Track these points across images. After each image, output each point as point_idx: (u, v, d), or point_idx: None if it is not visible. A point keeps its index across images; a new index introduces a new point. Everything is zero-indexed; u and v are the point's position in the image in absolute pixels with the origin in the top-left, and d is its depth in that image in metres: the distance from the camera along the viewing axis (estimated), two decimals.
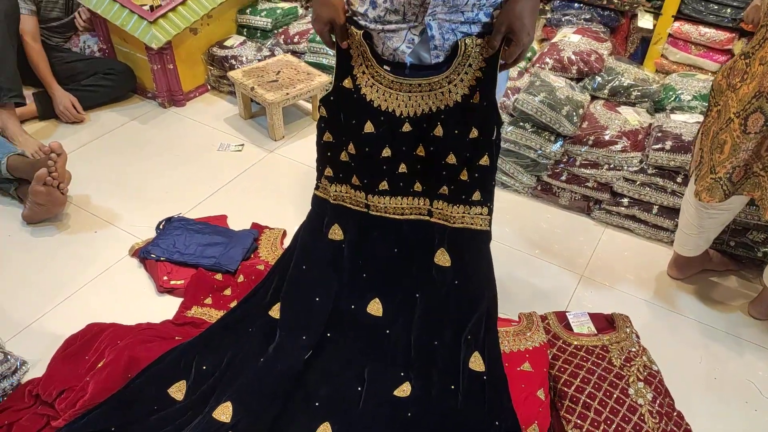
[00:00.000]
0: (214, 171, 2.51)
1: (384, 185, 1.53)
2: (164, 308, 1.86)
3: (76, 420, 1.39)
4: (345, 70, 1.43)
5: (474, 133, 1.42)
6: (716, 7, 2.39)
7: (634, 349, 1.66)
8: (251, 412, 1.37)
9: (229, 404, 1.38)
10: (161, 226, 2.17)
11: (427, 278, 1.54)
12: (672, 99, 2.27)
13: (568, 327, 1.74)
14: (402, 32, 1.31)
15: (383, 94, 1.41)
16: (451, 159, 1.46)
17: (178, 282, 1.96)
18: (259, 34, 3.11)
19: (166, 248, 2.06)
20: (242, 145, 2.68)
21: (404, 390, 1.42)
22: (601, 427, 1.47)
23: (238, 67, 2.88)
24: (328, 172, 1.61)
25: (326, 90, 1.59)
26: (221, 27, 3.07)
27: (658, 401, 1.54)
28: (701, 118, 2.16)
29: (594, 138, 2.17)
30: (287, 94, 2.62)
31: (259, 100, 2.66)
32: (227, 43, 3.02)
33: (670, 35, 2.52)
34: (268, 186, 2.44)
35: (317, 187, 1.66)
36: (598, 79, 2.35)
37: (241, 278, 1.96)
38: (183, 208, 2.29)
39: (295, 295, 1.61)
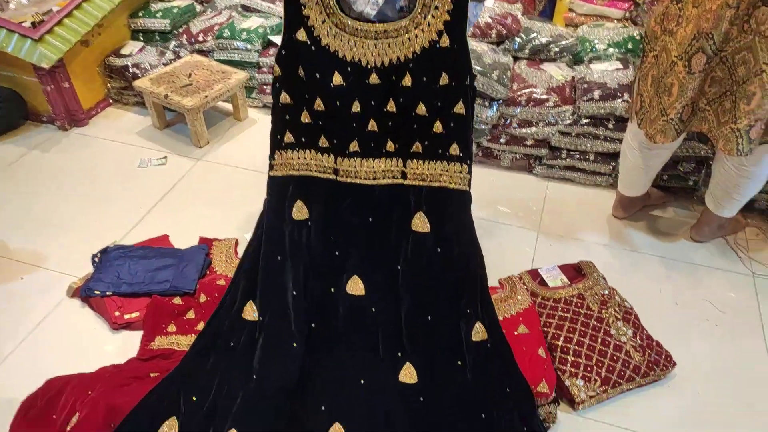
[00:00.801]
0: (141, 190, 2.32)
1: (354, 146, 1.43)
2: (124, 346, 1.71)
3: None
4: (296, 20, 1.33)
5: (444, 79, 1.35)
6: None
7: (606, 292, 1.73)
8: None
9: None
10: (97, 259, 1.99)
11: (407, 248, 1.46)
12: (588, 50, 2.38)
13: (542, 283, 1.79)
14: None
15: (348, 42, 1.33)
16: (421, 109, 1.38)
17: (133, 315, 1.81)
18: (158, 37, 2.89)
19: (110, 281, 1.88)
20: (165, 157, 2.50)
21: (408, 374, 1.38)
22: (595, 370, 1.54)
23: (142, 76, 2.66)
24: (288, 138, 1.47)
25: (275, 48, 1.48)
26: (114, 35, 2.83)
27: (638, 335, 1.63)
28: (619, 65, 2.27)
29: (526, 98, 2.23)
30: (206, 97, 2.46)
31: (176, 108, 2.48)
32: (124, 50, 2.78)
33: None
34: (205, 195, 2.29)
35: (271, 167, 1.52)
36: (518, 40, 2.41)
37: (203, 298, 1.84)
38: (116, 236, 2.11)
39: (272, 292, 1.49)
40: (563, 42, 2.39)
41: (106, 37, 2.77)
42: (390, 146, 1.46)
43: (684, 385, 1.59)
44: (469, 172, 1.45)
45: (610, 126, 2.15)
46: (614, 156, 2.20)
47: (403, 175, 1.46)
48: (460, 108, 1.38)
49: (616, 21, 2.57)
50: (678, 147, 1.91)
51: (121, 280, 1.89)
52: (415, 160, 1.44)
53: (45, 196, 2.29)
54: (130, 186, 2.34)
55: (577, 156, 2.24)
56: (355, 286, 1.46)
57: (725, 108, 1.58)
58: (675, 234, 2.08)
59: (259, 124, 2.72)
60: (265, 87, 2.71)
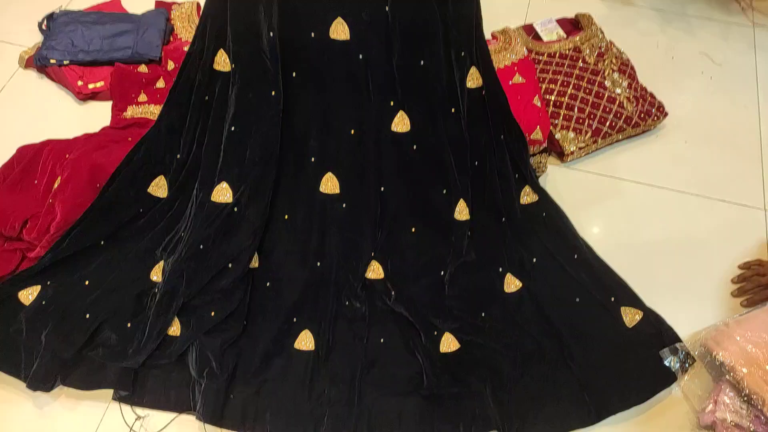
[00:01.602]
0: None
1: None
2: (94, 116, 1.61)
3: (57, 243, 1.24)
4: None
5: None
6: None
7: (603, 45, 1.65)
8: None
9: (225, 184, 1.26)
10: (44, 26, 1.77)
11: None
12: None
13: (537, 38, 1.68)
14: None
15: None
16: None
17: (98, 84, 1.67)
18: None
19: (64, 49, 1.70)
20: None
21: (401, 123, 1.32)
22: (586, 122, 1.52)
23: None
24: None
25: None
26: None
27: (632, 86, 1.58)
28: None
29: None
30: None
31: None
32: None
33: None
34: None
35: None
36: None
37: (171, 65, 1.69)
38: (62, 1, 1.86)
39: (243, 34, 1.25)
40: None
41: None
42: None
43: (674, 134, 1.59)
44: None
45: None
46: None
47: None
48: None
49: None
50: None
51: (76, 48, 1.71)
52: None
53: None
54: None
55: None
56: (338, 30, 1.29)
57: None
58: None
59: None
60: None
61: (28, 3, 1.85)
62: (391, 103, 1.30)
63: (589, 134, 1.51)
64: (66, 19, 1.77)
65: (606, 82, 1.58)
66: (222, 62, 1.31)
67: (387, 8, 1.26)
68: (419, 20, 1.27)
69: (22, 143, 1.47)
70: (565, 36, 1.67)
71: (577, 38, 1.65)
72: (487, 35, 1.64)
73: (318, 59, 1.28)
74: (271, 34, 1.24)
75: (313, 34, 1.28)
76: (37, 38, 1.76)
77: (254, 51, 1.25)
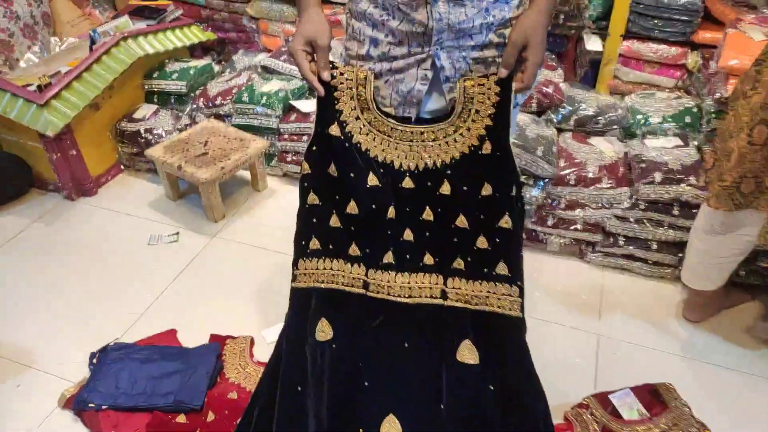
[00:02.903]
0: (149, 272, 2.10)
1: (389, 257, 1.28)
2: None
3: None
4: (330, 113, 1.25)
5: (487, 189, 1.23)
6: (663, 23, 2.31)
7: (694, 430, 1.46)
8: None
9: None
10: (95, 360, 1.76)
11: (452, 382, 1.24)
12: (641, 123, 2.15)
13: (615, 413, 1.52)
14: (412, 70, 1.22)
15: (381, 143, 1.25)
16: (462, 221, 1.25)
17: None
18: (173, 100, 2.73)
19: (106, 391, 1.65)
20: (177, 233, 2.29)
21: None
22: None
23: (155, 142, 2.48)
24: (314, 244, 1.30)
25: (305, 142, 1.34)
26: (127, 97, 2.66)
27: None
28: (678, 141, 2.05)
29: (576, 177, 2.00)
30: (222, 168, 2.26)
31: (190, 180, 2.29)
32: (137, 114, 2.61)
33: (620, 55, 2.42)
34: (219, 281, 2.07)
35: (294, 278, 1.33)
36: (562, 111, 2.20)
37: (210, 416, 1.59)
38: (118, 329, 1.88)
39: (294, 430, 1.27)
40: (612, 113, 2.18)
41: (119, 99, 2.61)
42: (428, 259, 1.28)
43: None
44: (521, 296, 1.26)
45: (675, 212, 1.91)
46: (681, 246, 1.94)
47: (443, 295, 1.27)
48: (505, 222, 1.24)
49: (667, 90, 2.35)
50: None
51: (119, 390, 1.65)
52: (456, 278, 1.27)
53: (41, 277, 2.08)
54: (137, 267, 2.13)
55: (637, 244, 1.99)
56: (390, 429, 1.21)
57: None
58: (761, 344, 1.80)
59: (279, 194, 2.51)
60: (285, 155, 2.52)
61: (80, 330, 1.87)
62: None
63: None
64: (117, 354, 1.76)
65: None
66: None
67: (442, 406, 1.20)
68: (478, 422, 1.19)
69: None
70: (648, 415, 1.50)
71: (663, 421, 1.47)
72: (558, 418, 1.51)
73: None
74: None
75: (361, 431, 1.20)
76: (86, 371, 1.73)
77: None
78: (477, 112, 1.20)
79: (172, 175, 2.39)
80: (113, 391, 1.65)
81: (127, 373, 1.70)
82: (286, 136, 2.49)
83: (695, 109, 2.13)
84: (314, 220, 1.30)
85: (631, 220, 1.97)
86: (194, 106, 2.66)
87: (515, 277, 1.24)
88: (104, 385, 1.67)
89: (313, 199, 1.30)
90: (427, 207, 1.26)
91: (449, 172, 1.23)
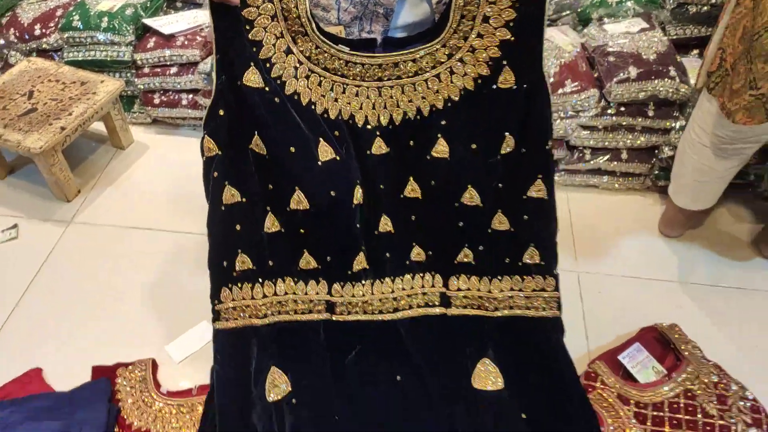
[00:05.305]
0: None
1: (360, 262, 0.90)
2: None
3: None
4: (239, 47, 0.78)
5: (509, 143, 0.85)
6: None
7: (716, 379, 1.23)
8: None
9: None
10: None
11: (470, 417, 0.90)
12: (597, 4, 1.77)
13: (627, 376, 1.25)
14: None
15: (331, 89, 0.80)
16: (470, 196, 0.88)
17: None
18: None
19: None
20: (15, 226, 1.68)
21: None
22: None
23: None
24: (243, 262, 0.89)
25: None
26: None
27: None
28: (642, 23, 1.69)
29: None
30: (62, 129, 1.63)
31: (19, 151, 1.64)
32: None
33: None
34: (88, 284, 1.53)
35: (216, 316, 0.93)
36: None
37: None
38: None
39: None
40: None
41: None
42: (417, 255, 0.91)
43: None
44: (557, 287, 0.92)
45: (650, 113, 1.59)
46: (652, 150, 1.66)
47: (445, 301, 0.91)
48: (538, 189, 0.89)
49: None
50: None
51: None
52: (463, 277, 0.91)
53: None
54: None
55: (606, 156, 1.68)
56: None
57: None
58: (747, 251, 1.60)
59: (152, 148, 1.90)
60: (151, 96, 1.90)
61: None
62: None
63: None
64: None
65: None
66: None
67: None
68: None
69: None
70: (664, 371, 1.25)
71: (684, 376, 1.22)
72: None
73: None
74: None
75: None
76: None
77: None
78: (485, 20, 0.77)
79: None
80: None
81: None
82: (146, 70, 1.86)
83: None
84: (238, 228, 0.87)
85: (600, 128, 1.64)
86: (2, 42, 1.91)
87: (550, 265, 0.89)
88: None
89: (231, 195, 0.85)
90: (411, 179, 0.86)
91: (444, 123, 0.82)
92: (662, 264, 1.58)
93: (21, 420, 1.24)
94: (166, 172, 1.77)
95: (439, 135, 0.84)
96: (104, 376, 1.34)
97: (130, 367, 1.35)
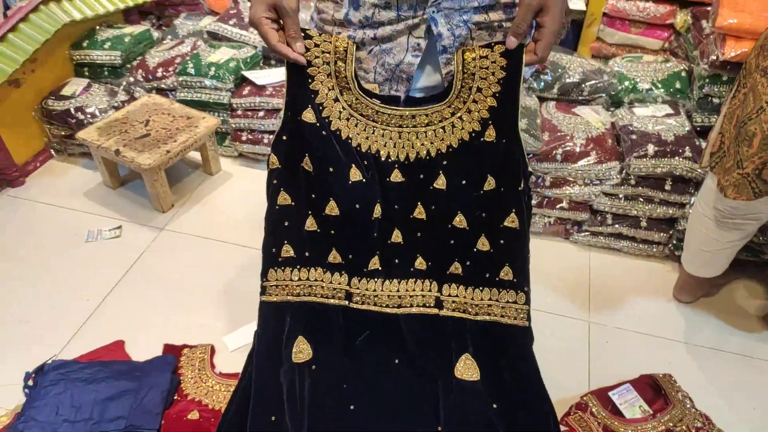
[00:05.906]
0: (88, 274, 1.85)
1: (375, 263, 1.11)
2: None
3: None
4: (303, 94, 1.05)
5: (490, 183, 1.06)
6: None
7: (699, 425, 1.36)
8: None
9: None
10: (31, 382, 1.52)
11: (450, 401, 1.09)
12: (629, 90, 2.00)
13: (615, 411, 1.40)
14: (401, 39, 1.04)
15: (364, 130, 1.06)
16: (460, 221, 1.09)
17: None
18: (107, 73, 2.41)
19: (46, 420, 1.43)
20: (119, 227, 2.03)
21: None
22: None
23: (88, 123, 2.19)
24: (287, 252, 1.12)
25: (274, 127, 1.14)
26: (53, 72, 2.33)
27: None
28: (668, 109, 1.90)
29: (563, 152, 1.83)
30: (168, 152, 2.00)
31: (131, 166, 2.02)
32: (65, 91, 2.29)
33: (605, 14, 2.25)
34: (170, 280, 1.84)
35: (263, 291, 1.15)
36: (544, 77, 2.02)
37: None
38: (56, 345, 1.65)
39: None
40: (598, 80, 2.01)
41: (42, 74, 2.28)
42: (420, 264, 1.12)
43: None
44: (527, 302, 1.11)
45: (667, 187, 1.78)
46: (671, 222, 1.82)
47: (438, 304, 1.11)
48: (512, 221, 1.07)
49: (652, 52, 2.20)
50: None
51: (60, 417, 1.44)
52: (453, 285, 1.11)
53: None
54: (73, 269, 1.87)
55: (626, 222, 1.86)
56: None
57: None
58: (755, 323, 1.72)
59: (235, 178, 2.26)
60: (240, 133, 2.26)
61: (10, 346, 1.63)
62: None
63: None
64: (56, 375, 1.53)
65: None
66: None
67: (439, 428, 1.06)
68: None
69: None
70: (650, 412, 1.39)
71: (666, 418, 1.36)
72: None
73: None
74: None
75: None
76: (20, 396, 1.50)
77: None
78: (479, 90, 1.01)
79: (110, 160, 2.11)
80: (53, 419, 1.43)
81: (68, 396, 1.48)
82: (239, 112, 2.23)
83: (684, 74, 1.99)
84: (286, 224, 1.11)
85: (621, 196, 1.83)
86: (132, 79, 2.35)
87: (521, 282, 1.08)
88: (43, 412, 1.44)
89: (284, 198, 1.10)
90: (419, 204, 1.08)
91: (445, 162, 1.05)
92: (670, 324, 1.71)
93: (104, 378, 1.53)
94: (244, 198, 2.11)
95: (440, 171, 1.06)
96: (172, 353, 1.62)
97: (193, 348, 1.63)
